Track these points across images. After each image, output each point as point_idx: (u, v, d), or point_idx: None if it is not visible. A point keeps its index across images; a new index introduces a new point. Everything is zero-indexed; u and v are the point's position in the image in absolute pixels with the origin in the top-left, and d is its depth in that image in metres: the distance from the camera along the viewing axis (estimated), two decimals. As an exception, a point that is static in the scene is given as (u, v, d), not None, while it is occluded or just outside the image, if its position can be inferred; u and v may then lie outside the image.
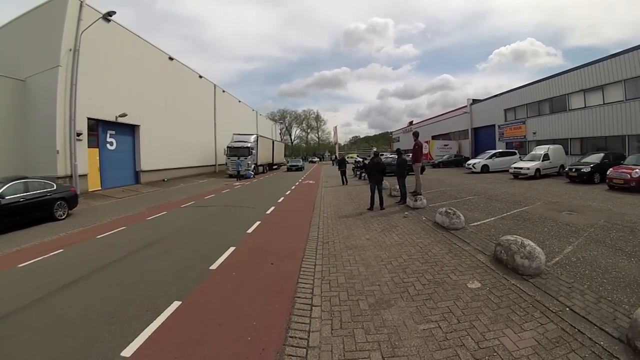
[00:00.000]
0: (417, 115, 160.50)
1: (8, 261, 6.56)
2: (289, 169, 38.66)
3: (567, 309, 3.53)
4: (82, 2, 16.88)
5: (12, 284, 5.34)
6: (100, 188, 18.74)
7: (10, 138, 15.99)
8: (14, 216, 9.59)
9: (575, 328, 3.16)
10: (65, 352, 3.20)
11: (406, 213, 9.29)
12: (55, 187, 11.15)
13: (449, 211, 7.35)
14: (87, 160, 17.63)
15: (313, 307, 3.88)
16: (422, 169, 14.54)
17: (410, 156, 11.21)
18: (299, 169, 38.31)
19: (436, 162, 34.02)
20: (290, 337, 3.28)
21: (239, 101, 48.19)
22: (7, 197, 9.41)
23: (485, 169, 23.26)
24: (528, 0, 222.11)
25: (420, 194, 10.35)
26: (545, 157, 18.82)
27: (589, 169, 15.03)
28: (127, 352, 3.15)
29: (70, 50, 16.34)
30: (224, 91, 40.40)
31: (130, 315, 3.89)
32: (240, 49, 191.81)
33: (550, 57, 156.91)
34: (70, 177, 15.98)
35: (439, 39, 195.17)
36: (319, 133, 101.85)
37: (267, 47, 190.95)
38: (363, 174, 22.20)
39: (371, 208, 10.17)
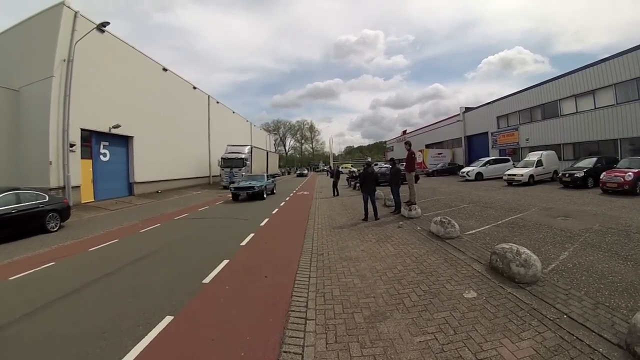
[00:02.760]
0: (409, 124, 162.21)
1: (-1, 274, 6.43)
2: (299, 175, 56.31)
3: (565, 316, 3.51)
4: (76, 13, 16.94)
5: (2, 297, 5.25)
6: (93, 200, 18.62)
7: (2, 148, 15.87)
8: (5, 228, 9.47)
9: (573, 335, 3.14)
10: None
11: (401, 223, 9.26)
12: (47, 199, 11.03)
13: (444, 220, 7.34)
14: (80, 172, 17.52)
15: (307, 321, 3.82)
16: (416, 178, 14.54)
17: (404, 165, 11.22)
18: (304, 175, 56.50)
19: (430, 170, 34.11)
20: (285, 352, 3.22)
21: (233, 112, 48.26)
22: (-2, 209, 9.26)
23: (479, 176, 23.36)
24: (515, 7, 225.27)
25: (415, 204, 10.35)
26: (539, 163, 18.98)
27: (582, 174, 15.16)
28: None
29: (64, 60, 16.34)
30: (217, 102, 40.47)
31: (122, 330, 3.82)
32: (233, 60, 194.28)
33: (538, 64, 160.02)
34: (63, 188, 15.84)
35: (429, 48, 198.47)
36: (313, 143, 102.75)
37: (259, 59, 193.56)
38: (357, 184, 22.23)
39: (366, 219, 10.13)
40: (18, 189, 10.72)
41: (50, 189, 14.07)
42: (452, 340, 3.23)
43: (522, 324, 3.43)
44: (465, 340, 3.20)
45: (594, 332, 3.16)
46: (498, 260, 4.82)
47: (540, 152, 20.23)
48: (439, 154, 39.12)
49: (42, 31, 16.73)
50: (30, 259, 7.51)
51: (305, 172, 67.89)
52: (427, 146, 43.39)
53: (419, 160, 34.14)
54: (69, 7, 16.65)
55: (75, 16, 16.91)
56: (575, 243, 6.23)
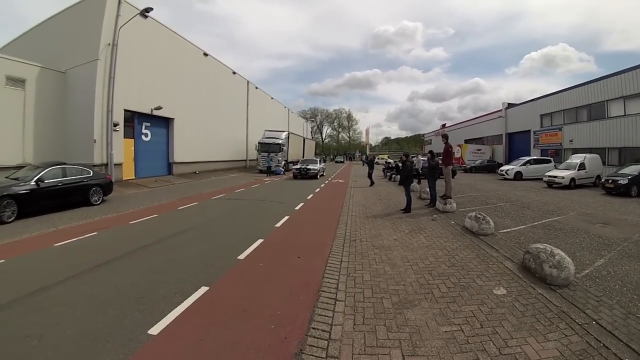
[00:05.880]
0: (448, 118, 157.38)
1: (45, 240, 6.94)
2: (336, 162, 65.69)
3: (594, 322, 3.42)
4: (120, -2, 17.52)
5: (47, 261, 5.65)
6: (134, 177, 19.43)
7: (50, 126, 16.86)
8: (52, 199, 10.08)
9: (600, 342, 3.06)
10: (96, 326, 3.38)
11: (435, 216, 9.17)
12: (91, 174, 11.64)
13: (479, 216, 7.21)
14: (122, 150, 18.34)
15: (337, 302, 3.92)
16: (454, 173, 14.25)
17: (441, 159, 11.06)
18: (342, 162, 66.51)
19: (468, 166, 33.19)
20: (313, 328, 3.33)
21: (272, 98, 48.47)
22: (46, 181, 9.89)
23: (518, 176, 22.52)
24: (560, 1, 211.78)
25: (450, 198, 10.18)
26: (581, 166, 18.06)
27: (626, 181, 14.33)
28: (155, 330, 3.29)
29: (109, 44, 16.99)
30: (256, 88, 40.70)
31: (160, 296, 4.05)
32: (272, 47, 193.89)
33: (583, 62, 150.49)
34: (106, 165, 16.66)
35: (470, 41, 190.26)
36: (350, 133, 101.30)
37: (298, 46, 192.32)
38: (393, 175, 22.08)
39: (407, 210, 9.97)
40: (64, 163, 11.36)
41: (94, 166, 14.77)
42: (477, 333, 3.23)
43: (550, 325, 3.37)
44: (490, 335, 3.19)
45: (622, 342, 3.07)
46: (531, 259, 4.72)
47: (584, 155, 19.21)
48: (478, 150, 37.83)
49: (88, 16, 17.44)
50: (74, 229, 8.00)
51: (342, 160, 70.79)
52: (467, 141, 41.88)
53: (457, 155, 33.39)
54: (113, -7, 17.27)
55: (119, 2, 17.48)
56: (612, 251, 5.98)
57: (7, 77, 15.06)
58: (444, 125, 59.59)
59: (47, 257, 5.85)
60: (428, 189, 11.33)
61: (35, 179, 9.66)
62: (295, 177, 22.73)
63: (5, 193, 8.77)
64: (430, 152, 12.41)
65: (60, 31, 18.63)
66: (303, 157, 37.77)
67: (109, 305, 3.83)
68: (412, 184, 10.93)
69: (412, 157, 18.42)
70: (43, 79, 16.70)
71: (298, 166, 23.68)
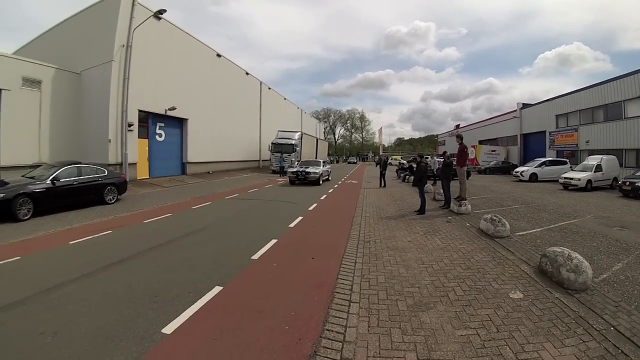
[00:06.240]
0: (461, 118, 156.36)
1: (60, 238, 7.05)
2: (348, 163, 65.88)
3: (612, 328, 3.34)
4: (134, 1, 17.75)
5: (62, 258, 5.74)
6: (148, 177, 19.76)
7: (66, 126, 17.20)
8: (67, 198, 10.25)
9: (619, 349, 2.98)
10: (110, 324, 3.41)
11: (449, 218, 9.09)
12: (106, 173, 11.81)
13: (494, 218, 7.11)
14: (136, 150, 18.65)
15: (351, 303, 3.89)
16: (468, 174, 14.08)
17: (455, 160, 10.94)
18: (354, 163, 65.45)
19: (482, 168, 32.81)
20: (327, 330, 3.31)
21: (284, 98, 48.69)
22: (61, 180, 10.05)
23: (533, 177, 22.24)
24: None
25: (465, 199, 10.07)
26: (598, 168, 17.68)
27: (644, 183, 13.98)
28: (168, 329, 3.31)
29: (123, 46, 17.26)
30: (269, 88, 40.94)
31: (173, 295, 4.08)
32: (284, 47, 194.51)
33: (599, 62, 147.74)
34: (121, 164, 16.93)
35: (483, 40, 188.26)
36: (363, 133, 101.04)
37: (310, 47, 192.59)
38: (406, 176, 21.87)
39: (422, 211, 9.86)
40: (80, 163, 11.53)
41: (109, 165, 14.95)
42: (494, 337, 3.17)
43: (567, 330, 3.30)
44: (507, 339, 3.13)
45: (641, 348, 2.98)
46: (548, 263, 4.62)
47: (600, 156, 18.81)
48: (493, 151, 37.38)
49: (103, 18, 17.74)
50: (88, 227, 8.12)
51: (355, 160, 70.82)
52: (481, 142, 41.49)
53: (471, 156, 33.04)
54: (127, -4, 17.55)
55: (133, 4, 17.76)
56: (631, 255, 5.84)
57: (24, 78, 15.41)
58: (457, 126, 59.44)
59: (62, 255, 5.94)
60: (442, 191, 11.22)
61: (51, 177, 9.82)
62: (291, 182, 18.95)
63: (21, 191, 8.94)
64: (444, 152, 12.30)
65: (75, 33, 18.99)
66: (316, 157, 37.59)
67: (123, 304, 3.87)
68: (426, 185, 10.83)
69: (427, 158, 18.20)
70: (58, 80, 17.05)
71: (295, 169, 19.54)
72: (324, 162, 22.37)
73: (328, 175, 21.91)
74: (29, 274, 4.98)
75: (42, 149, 16.12)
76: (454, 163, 11.17)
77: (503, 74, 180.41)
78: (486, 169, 32.30)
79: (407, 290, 4.28)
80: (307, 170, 18.59)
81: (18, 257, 5.68)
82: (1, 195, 8.56)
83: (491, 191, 16.20)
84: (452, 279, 4.66)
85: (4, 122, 14.54)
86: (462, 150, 10.48)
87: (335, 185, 19.00)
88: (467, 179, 11.83)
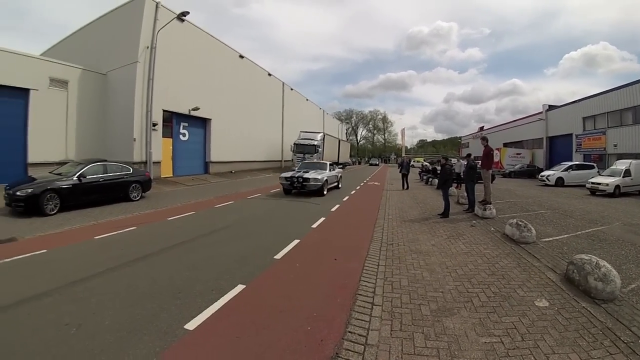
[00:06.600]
0: (485, 120, 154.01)
1: (86, 233, 7.30)
2: (370, 165, 64.96)
3: (640, 341, 3.22)
4: (157, 3, 18.23)
5: (87, 252, 5.92)
6: (171, 175, 20.25)
7: (92, 125, 17.79)
8: (92, 194, 10.57)
9: None
10: (134, 318, 3.49)
11: (474, 222, 8.92)
12: (131, 171, 12.12)
13: (520, 223, 6.94)
14: (161, 149, 19.14)
15: (374, 306, 3.88)
16: (493, 178, 13.78)
17: (480, 162, 10.73)
18: (376, 165, 63.97)
19: (507, 171, 32.01)
20: (350, 332, 3.30)
21: (307, 99, 49.02)
22: (87, 177, 10.38)
23: (560, 182, 21.65)
24: None
25: (490, 203, 9.87)
26: (627, 172, 16.99)
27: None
28: (191, 325, 3.36)
29: (148, 47, 17.74)
30: (292, 89, 41.23)
31: (196, 292, 4.15)
32: (306, 49, 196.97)
33: (626, 62, 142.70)
34: (145, 163, 17.41)
35: (506, 40, 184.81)
36: (386, 135, 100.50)
37: (332, 48, 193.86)
38: (430, 179, 21.59)
39: (445, 215, 9.70)
40: (105, 160, 11.89)
41: (134, 163, 15.35)
42: (518, 346, 3.10)
43: (594, 341, 3.20)
44: (532, 349, 3.06)
45: (671, 364, 2.85)
46: (575, 271, 4.49)
47: (629, 160, 18.03)
48: (517, 154, 36.65)
49: (127, 20, 18.27)
50: (113, 223, 8.35)
51: (377, 162, 69.87)
52: (505, 145, 40.73)
53: (495, 159, 32.40)
54: (150, -1, 18.02)
55: (156, 7, 18.24)
56: (661, 265, 5.59)
57: (51, 78, 16.03)
58: (481, 128, 58.66)
59: (87, 249, 6.12)
60: (466, 194, 11.03)
61: (78, 174, 10.16)
62: (286, 191, 14.34)
63: (48, 187, 9.27)
64: (468, 155, 12.10)
65: (101, 35, 19.62)
66: (338, 159, 37.31)
67: (147, 299, 3.96)
68: (450, 188, 10.67)
69: (452, 160, 17.79)
70: (85, 80, 17.65)
71: (289, 174, 14.41)
72: (331, 163, 17.47)
73: (337, 181, 16.84)
74: (55, 266, 5.16)
75: (68, 147, 16.72)
76: (479, 166, 10.97)
77: (527, 75, 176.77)
78: (511, 172, 31.52)
79: (431, 294, 4.23)
80: (306, 176, 13.64)
81: (44, 250, 5.89)
82: (29, 190, 8.92)
83: (516, 195, 15.84)
84: (477, 284, 4.57)
85: (32, 121, 15.17)
86: (488, 152, 10.29)
87: (358, 187, 18.72)
88: (492, 182, 11.57)
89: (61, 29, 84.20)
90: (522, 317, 3.64)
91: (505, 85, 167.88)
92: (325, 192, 14.12)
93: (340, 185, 17.24)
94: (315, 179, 13.57)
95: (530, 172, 30.44)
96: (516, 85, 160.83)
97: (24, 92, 15.03)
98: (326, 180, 14.33)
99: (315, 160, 25.27)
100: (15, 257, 5.52)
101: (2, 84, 14.21)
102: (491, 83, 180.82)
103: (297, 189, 13.78)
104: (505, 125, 47.42)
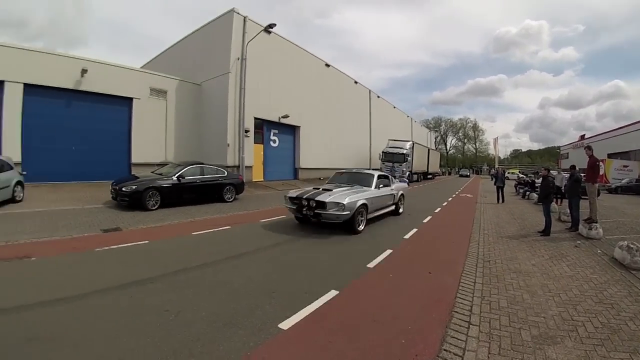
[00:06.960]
0: (585, 128, 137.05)
1: (183, 228, 8.10)
2: (460, 176, 59.23)
3: None
4: (245, 17, 19.64)
5: (185, 246, 6.56)
6: (262, 179, 21.66)
7: (188, 130, 19.90)
8: (190, 194, 11.67)
9: None
10: (229, 312, 3.72)
11: (578, 242, 8.11)
12: (225, 174, 13.19)
13: (632, 246, 6.14)
14: (252, 154, 20.62)
15: (471, 325, 3.78)
16: (598, 193, 12.28)
17: (584, 175, 9.78)
18: (467, 176, 58.11)
19: (613, 186, 27.86)
20: (445, 350, 3.23)
21: (394, 107, 48.60)
22: (186, 177, 11.50)
23: (676, 200, 18.37)
24: None
25: (596, 222, 8.83)
26: None
27: None
28: (285, 325, 3.49)
29: (238, 59, 19.24)
30: (378, 97, 41.20)
31: (290, 293, 4.36)
32: (390, 55, 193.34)
33: None
34: (238, 167, 18.93)
35: (604, 37, 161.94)
36: (477, 144, 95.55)
37: (416, 53, 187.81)
38: (527, 192, 20.11)
39: (546, 232, 9.00)
40: (202, 163, 13.13)
41: (227, 167, 16.46)
42: (628, 387, 2.78)
43: None
44: (643, 391, 2.72)
45: None
46: None
47: None
48: (625, 166, 32.03)
49: (218, 34, 20.00)
50: (209, 221, 9.13)
51: (468, 173, 64.48)
52: (610, 156, 35.80)
53: (600, 172, 28.73)
54: (238, 13, 19.50)
55: (244, 20, 19.69)
56: None
57: (151, 88, 18.35)
58: (582, 137, 52.63)
59: (185, 243, 6.77)
60: (569, 210, 10.06)
61: (177, 175, 11.31)
62: (298, 218, 9.15)
63: (151, 185, 10.53)
64: (572, 166, 11.04)
65: (194, 48, 21.80)
66: (427, 169, 35.99)
67: (242, 295, 4.22)
68: (551, 204, 9.85)
69: (552, 172, 16.10)
70: (181, 90, 19.81)
71: (295, 193, 8.75)
72: (383, 176, 10.83)
73: (393, 203, 10.91)
74: (156, 256, 5.78)
75: (167, 150, 18.91)
76: (583, 179, 9.95)
77: (631, 75, 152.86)
78: (617, 187, 27.37)
79: (532, 319, 3.99)
80: (321, 198, 7.95)
81: (147, 241, 6.66)
82: (134, 187, 10.21)
83: (624, 214, 13.82)
84: (582, 312, 4.20)
85: (135, 126, 17.50)
86: (594, 164, 9.23)
87: (450, 199, 18.11)
88: (597, 197, 10.36)
89: (156, 41, 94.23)
90: (633, 354, 3.26)
91: (606, 88, 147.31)
92: (360, 228, 8.41)
93: (401, 210, 11.61)
94: (338, 204, 7.80)
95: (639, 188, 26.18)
96: (619, 87, 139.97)
97: (128, 101, 17.47)
98: (363, 205, 8.49)
99: (404, 169, 24.87)
100: (120, 245, 6.32)
101: (111, 93, 16.63)
102: (590, 86, 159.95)
103: (309, 218, 8.31)
104: (609, 134, 41.79)
